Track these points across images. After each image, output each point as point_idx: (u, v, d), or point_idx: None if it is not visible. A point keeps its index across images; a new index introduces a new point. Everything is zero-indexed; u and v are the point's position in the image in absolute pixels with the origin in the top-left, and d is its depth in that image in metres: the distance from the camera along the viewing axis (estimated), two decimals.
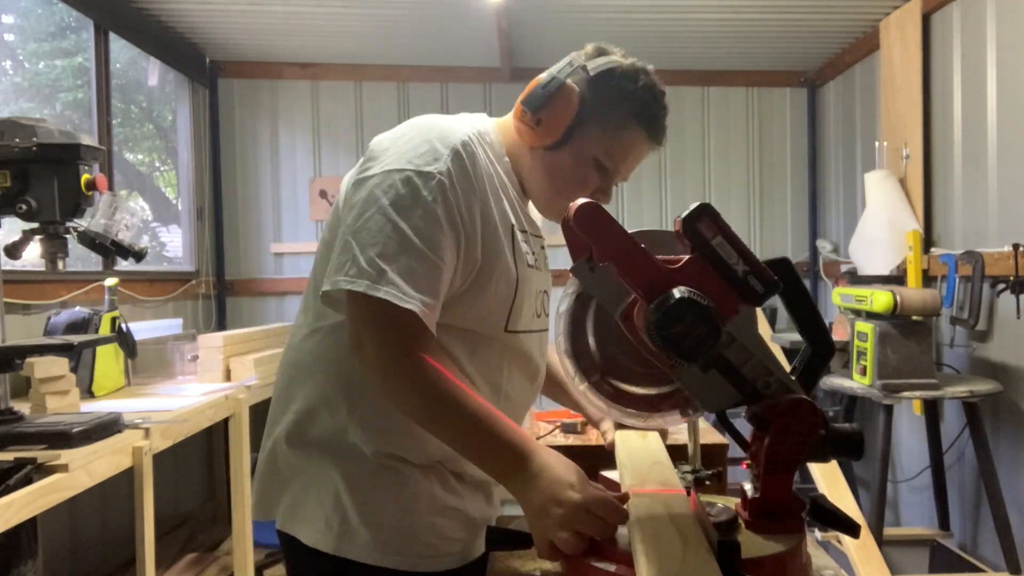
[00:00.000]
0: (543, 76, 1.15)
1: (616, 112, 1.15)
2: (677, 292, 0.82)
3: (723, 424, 0.94)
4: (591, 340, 1.04)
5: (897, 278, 3.20)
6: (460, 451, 1.04)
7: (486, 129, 1.19)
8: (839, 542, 2.82)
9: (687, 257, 0.87)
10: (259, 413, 1.61)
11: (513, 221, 1.16)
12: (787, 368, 0.94)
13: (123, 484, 1.93)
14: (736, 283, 0.85)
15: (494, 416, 1.01)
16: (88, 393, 2.41)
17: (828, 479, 2.86)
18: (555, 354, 1.44)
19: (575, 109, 1.13)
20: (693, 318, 0.81)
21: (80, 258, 2.93)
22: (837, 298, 3.10)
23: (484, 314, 1.13)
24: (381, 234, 1.02)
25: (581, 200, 0.88)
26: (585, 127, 1.14)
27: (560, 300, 1.06)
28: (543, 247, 1.28)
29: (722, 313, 0.84)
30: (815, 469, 2.95)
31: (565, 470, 0.98)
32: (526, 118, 1.15)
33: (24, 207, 1.68)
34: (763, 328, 3.41)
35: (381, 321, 1.01)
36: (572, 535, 0.92)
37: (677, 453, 1.29)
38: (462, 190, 1.07)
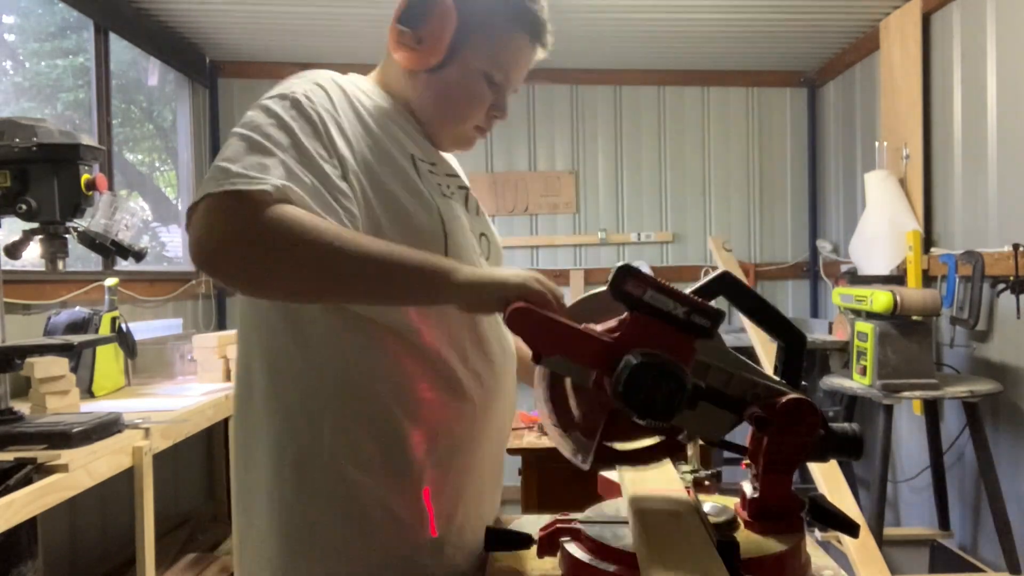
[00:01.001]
0: None
1: (497, 20, 1.09)
2: (632, 358, 0.83)
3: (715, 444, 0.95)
4: (574, 406, 1.00)
5: (897, 278, 3.20)
6: (382, 290, 0.92)
7: (361, 78, 1.15)
8: (839, 542, 2.82)
9: (628, 318, 0.87)
10: None
11: (412, 151, 1.08)
12: (769, 368, 0.95)
13: (123, 484, 1.93)
14: (682, 326, 0.85)
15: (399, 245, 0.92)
16: (88, 393, 2.41)
17: (828, 479, 2.86)
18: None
19: (454, 20, 1.06)
20: (654, 378, 0.82)
21: (80, 258, 2.93)
22: (837, 298, 3.10)
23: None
24: (227, 147, 0.94)
25: (510, 308, 0.88)
26: (468, 40, 1.08)
27: (535, 372, 1.00)
28: (462, 187, 1.20)
29: (681, 358, 0.84)
30: (815, 469, 2.95)
31: None
32: (405, 38, 1.08)
33: (24, 207, 1.69)
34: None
35: (227, 209, 0.87)
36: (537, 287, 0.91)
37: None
38: (322, 108, 1.00)
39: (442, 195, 1.09)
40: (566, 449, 0.99)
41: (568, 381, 0.98)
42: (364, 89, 1.11)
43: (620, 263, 0.87)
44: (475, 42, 1.09)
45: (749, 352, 3.70)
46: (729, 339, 3.87)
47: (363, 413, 1.03)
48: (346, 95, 1.05)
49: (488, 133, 1.19)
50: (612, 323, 0.91)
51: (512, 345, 1.20)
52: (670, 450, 1.00)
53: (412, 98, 1.13)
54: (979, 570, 2.78)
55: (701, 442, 1.10)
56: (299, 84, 1.03)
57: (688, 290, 0.91)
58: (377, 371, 1.03)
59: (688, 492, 1.03)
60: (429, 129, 1.15)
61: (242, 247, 0.87)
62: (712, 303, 0.90)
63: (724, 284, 0.94)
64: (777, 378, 0.93)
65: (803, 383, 0.94)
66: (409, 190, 1.04)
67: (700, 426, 0.92)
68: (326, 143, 0.98)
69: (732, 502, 1.00)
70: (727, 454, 3.47)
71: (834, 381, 3.02)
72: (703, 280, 0.94)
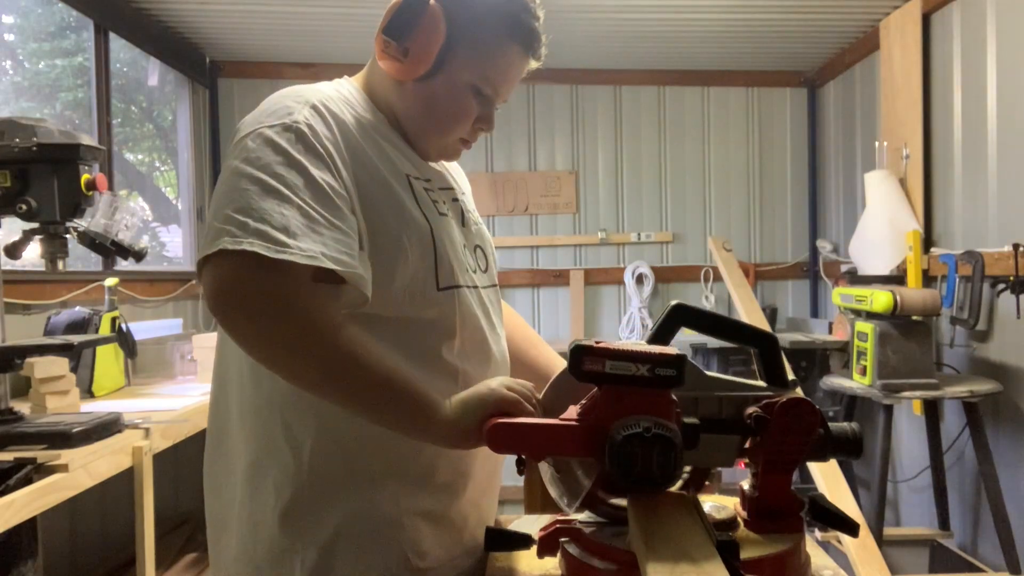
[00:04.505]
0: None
1: (487, 30, 1.06)
2: (614, 436, 0.83)
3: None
4: (577, 470, 0.99)
5: (897, 278, 3.20)
6: (369, 412, 0.94)
7: (348, 87, 1.12)
8: (839, 542, 2.82)
9: (599, 393, 0.88)
10: None
11: (408, 171, 1.06)
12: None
13: (123, 484, 1.93)
14: (651, 383, 0.86)
15: (401, 370, 0.93)
16: (88, 393, 2.41)
17: (828, 479, 2.86)
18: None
19: (443, 32, 1.03)
20: (641, 447, 0.82)
21: (80, 258, 2.93)
22: (837, 298, 3.09)
23: (408, 280, 1.00)
24: (236, 191, 0.89)
25: (485, 427, 0.89)
26: (456, 51, 1.04)
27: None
28: (456, 199, 1.17)
29: (662, 413, 0.85)
30: (815, 469, 2.95)
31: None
32: (391, 50, 1.04)
33: (24, 207, 1.68)
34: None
35: (250, 277, 0.86)
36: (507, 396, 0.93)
37: None
38: (325, 137, 0.97)
39: (439, 214, 1.07)
40: (553, 491, 0.99)
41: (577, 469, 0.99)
42: (353, 102, 1.08)
43: (572, 343, 0.86)
44: (464, 54, 1.06)
45: (747, 352, 3.70)
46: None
47: (342, 430, 1.01)
48: (340, 122, 1.02)
49: (472, 144, 1.18)
50: (586, 401, 0.90)
51: (499, 342, 1.16)
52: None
53: (398, 106, 1.11)
54: (979, 570, 2.78)
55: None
56: (297, 109, 0.98)
57: (647, 335, 0.92)
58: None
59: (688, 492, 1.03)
60: (414, 139, 1.12)
61: (263, 323, 0.88)
62: (673, 340, 0.91)
63: (678, 317, 0.95)
64: (764, 384, 0.94)
65: (792, 378, 0.95)
66: (401, 217, 1.02)
67: (710, 459, 0.92)
68: (335, 174, 0.96)
69: (732, 502, 1.00)
70: None
71: (834, 381, 3.02)
72: (658, 321, 0.95)
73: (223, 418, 1.07)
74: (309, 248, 0.88)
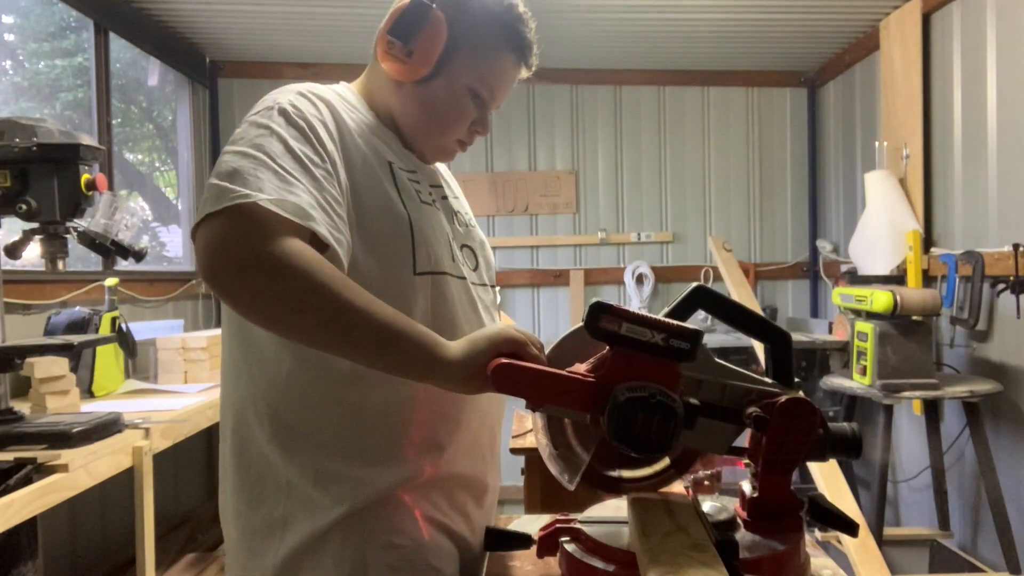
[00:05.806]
0: (406, 2, 1.08)
1: (486, 38, 1.11)
2: (618, 396, 0.83)
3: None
4: (571, 434, 1.00)
5: (897, 278, 3.20)
6: (371, 358, 0.91)
7: (345, 89, 1.15)
8: (839, 542, 2.82)
9: (609, 354, 0.87)
10: None
11: (391, 159, 1.08)
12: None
13: (123, 484, 1.93)
14: (663, 353, 0.86)
15: (399, 313, 0.92)
16: (88, 393, 2.41)
17: (828, 479, 2.86)
18: None
19: (444, 36, 1.07)
20: (643, 413, 0.82)
21: (80, 258, 2.93)
22: (837, 298, 3.10)
23: (384, 261, 1.01)
24: (220, 165, 0.92)
25: (491, 365, 0.88)
26: (456, 55, 1.09)
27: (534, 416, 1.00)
28: (445, 197, 1.19)
29: (668, 385, 0.85)
30: (815, 469, 2.95)
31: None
32: (395, 50, 1.08)
33: (24, 207, 1.68)
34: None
35: (235, 235, 0.87)
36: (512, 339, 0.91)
37: None
38: (309, 114, 1.00)
39: (420, 202, 1.09)
40: (554, 468, 0.99)
41: (572, 439, 0.99)
42: (348, 100, 1.11)
43: (592, 300, 0.86)
44: (463, 58, 1.10)
45: (748, 351, 3.70)
46: (729, 339, 3.87)
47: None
48: (328, 104, 1.05)
49: (468, 147, 1.20)
50: (595, 360, 0.91)
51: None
52: (678, 473, 1.01)
53: (396, 108, 1.13)
54: (979, 570, 2.78)
55: None
56: (283, 95, 1.03)
57: (664, 312, 0.91)
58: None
59: (688, 492, 1.04)
60: (411, 140, 1.15)
61: (254, 278, 0.86)
62: (692, 318, 0.90)
63: (699, 298, 0.94)
64: (769, 380, 0.94)
65: (796, 380, 0.95)
66: (379, 197, 1.03)
67: (703, 442, 0.92)
68: (316, 147, 0.98)
69: (732, 502, 1.00)
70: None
71: (834, 381, 3.02)
72: (678, 299, 0.94)
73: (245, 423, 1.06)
74: (284, 199, 0.89)
